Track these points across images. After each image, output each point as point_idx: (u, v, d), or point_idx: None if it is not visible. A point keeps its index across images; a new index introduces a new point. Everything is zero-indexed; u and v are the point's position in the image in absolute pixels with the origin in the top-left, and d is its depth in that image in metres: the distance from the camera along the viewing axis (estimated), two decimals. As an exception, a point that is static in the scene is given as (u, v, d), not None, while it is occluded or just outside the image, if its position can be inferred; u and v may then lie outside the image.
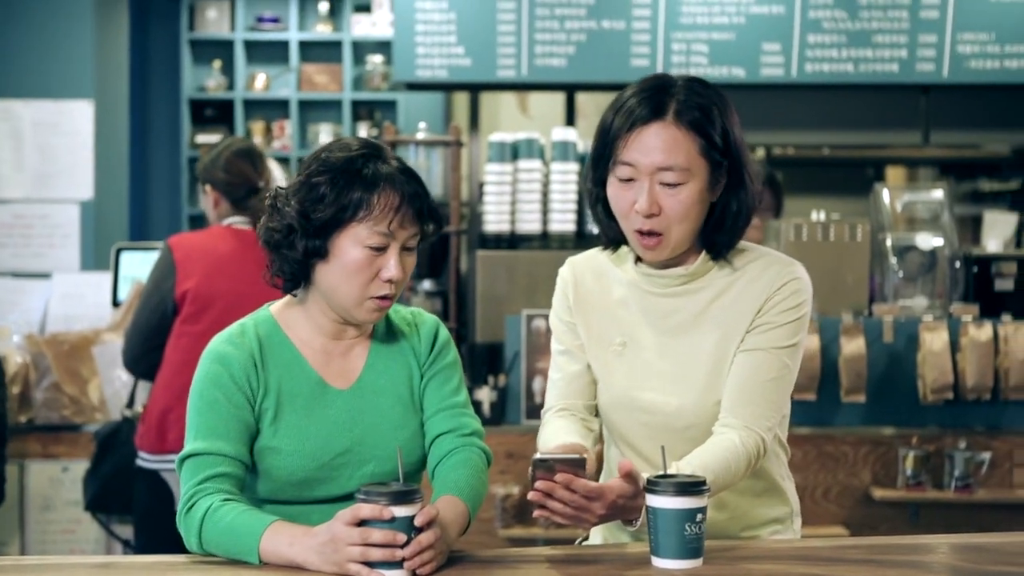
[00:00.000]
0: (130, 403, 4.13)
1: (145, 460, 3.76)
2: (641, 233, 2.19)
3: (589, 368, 2.33)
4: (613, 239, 2.31)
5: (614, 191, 2.21)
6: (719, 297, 2.24)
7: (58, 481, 4.68)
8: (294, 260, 2.15)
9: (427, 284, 5.22)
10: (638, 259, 2.30)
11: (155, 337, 3.74)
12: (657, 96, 2.18)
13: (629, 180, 2.18)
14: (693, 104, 2.17)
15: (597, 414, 2.35)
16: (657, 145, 2.16)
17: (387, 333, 2.29)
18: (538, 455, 2.00)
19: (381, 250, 2.13)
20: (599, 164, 2.24)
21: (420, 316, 2.32)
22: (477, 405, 4.47)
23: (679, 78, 2.22)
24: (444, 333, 2.31)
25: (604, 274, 2.34)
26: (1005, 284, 4.82)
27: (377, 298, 2.15)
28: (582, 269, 2.37)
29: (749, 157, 2.26)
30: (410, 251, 2.18)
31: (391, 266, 2.13)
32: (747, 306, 2.21)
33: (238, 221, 3.82)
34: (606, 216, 2.27)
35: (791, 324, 2.21)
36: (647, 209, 2.16)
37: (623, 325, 2.29)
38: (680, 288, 2.25)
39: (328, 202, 2.11)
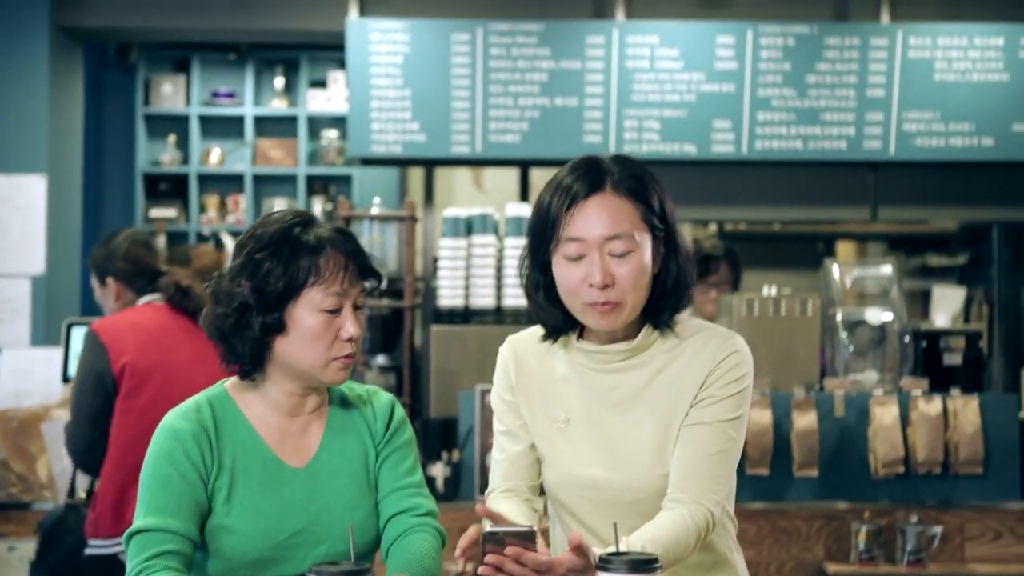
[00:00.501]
0: (71, 492, 4.04)
1: (99, 547, 3.69)
2: (596, 304, 2.19)
3: (532, 448, 2.33)
4: (555, 328, 2.30)
5: (562, 270, 2.21)
6: (661, 372, 2.25)
7: (4, 561, 4.60)
8: (252, 339, 2.15)
9: (381, 359, 5.21)
10: (580, 335, 2.31)
11: (103, 420, 3.70)
12: (592, 172, 2.22)
13: (578, 258, 2.19)
14: (628, 174, 2.22)
15: (541, 493, 2.34)
16: (602, 216, 2.18)
17: (342, 411, 2.29)
18: (488, 528, 2.01)
19: (336, 312, 2.15)
20: (539, 248, 2.24)
21: (376, 395, 2.33)
22: (431, 481, 4.45)
23: (607, 156, 2.26)
24: (399, 411, 2.32)
25: (546, 352, 2.34)
26: (953, 358, 4.88)
27: (341, 358, 2.17)
28: (524, 348, 2.37)
29: (679, 228, 2.30)
30: (360, 309, 2.21)
31: (348, 325, 2.16)
32: (690, 380, 2.23)
33: (153, 298, 3.85)
34: (548, 302, 2.26)
35: (734, 397, 2.23)
36: (602, 281, 2.17)
37: (566, 402, 2.29)
38: (623, 364, 2.26)
39: (278, 274, 2.13)
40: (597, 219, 2.19)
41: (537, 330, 2.36)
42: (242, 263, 2.16)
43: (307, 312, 2.14)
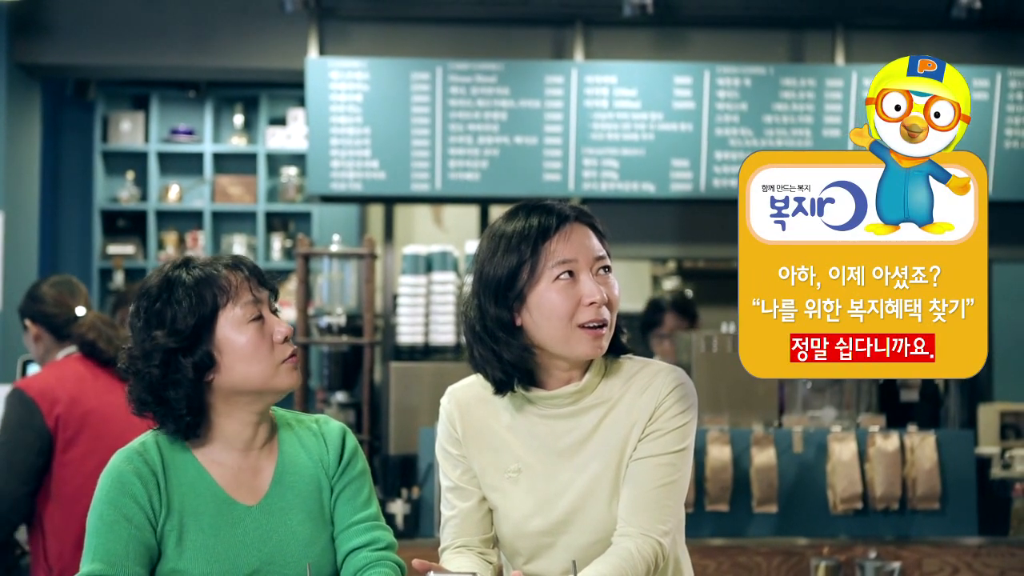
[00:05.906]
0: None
1: None
2: (591, 327, 2.19)
3: (483, 501, 2.31)
4: (508, 376, 2.24)
5: (553, 296, 2.19)
6: (610, 412, 2.25)
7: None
8: (187, 384, 2.11)
9: (340, 396, 5.20)
10: (527, 384, 2.28)
11: (37, 477, 3.55)
12: (549, 209, 2.24)
13: (569, 280, 2.19)
14: (579, 210, 2.27)
15: (495, 545, 2.33)
16: (583, 239, 2.22)
17: (293, 445, 2.25)
18: (432, 573, 2.05)
19: (260, 319, 2.15)
20: (510, 289, 2.21)
21: (326, 424, 2.29)
22: (391, 518, 4.44)
23: (547, 200, 2.28)
24: (351, 441, 2.28)
25: (489, 401, 2.30)
26: (910, 395, 4.92)
27: (286, 359, 2.17)
28: (466, 399, 2.33)
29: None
30: (276, 313, 2.20)
31: (277, 327, 2.16)
32: (638, 417, 2.23)
33: (71, 351, 3.82)
34: (516, 341, 2.22)
35: (680, 429, 2.24)
36: (603, 297, 2.19)
37: (516, 451, 2.27)
38: (571, 408, 2.26)
39: (184, 311, 2.11)
40: (581, 242, 2.22)
41: (477, 379, 2.33)
42: (145, 320, 2.13)
43: (233, 332, 2.13)
